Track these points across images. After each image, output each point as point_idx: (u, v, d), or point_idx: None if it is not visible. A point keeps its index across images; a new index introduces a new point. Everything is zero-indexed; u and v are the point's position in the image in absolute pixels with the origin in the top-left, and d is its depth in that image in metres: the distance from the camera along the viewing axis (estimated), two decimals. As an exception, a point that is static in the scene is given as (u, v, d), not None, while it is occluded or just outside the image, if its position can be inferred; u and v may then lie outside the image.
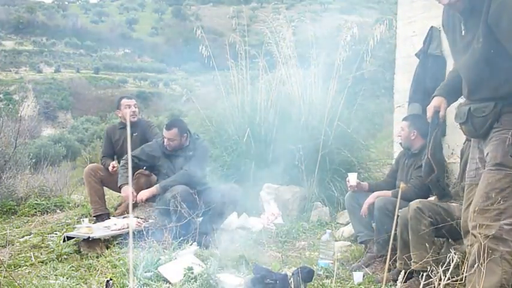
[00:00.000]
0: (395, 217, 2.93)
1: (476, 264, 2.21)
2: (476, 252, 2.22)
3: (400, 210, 3.25)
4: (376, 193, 3.73)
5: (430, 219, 3.06)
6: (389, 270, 3.38)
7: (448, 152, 4.26)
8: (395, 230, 3.15)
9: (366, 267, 3.57)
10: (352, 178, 3.85)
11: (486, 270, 2.16)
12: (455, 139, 4.04)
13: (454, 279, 2.28)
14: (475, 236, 2.26)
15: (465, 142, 3.56)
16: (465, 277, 2.36)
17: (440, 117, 2.57)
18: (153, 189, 4.41)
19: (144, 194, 4.38)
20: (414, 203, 3.09)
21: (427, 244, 2.98)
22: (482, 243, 2.17)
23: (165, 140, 4.51)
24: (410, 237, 3.10)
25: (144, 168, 4.90)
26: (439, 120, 2.59)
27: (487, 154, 2.29)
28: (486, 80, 2.28)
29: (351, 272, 3.53)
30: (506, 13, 2.12)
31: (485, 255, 2.13)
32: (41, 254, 4.08)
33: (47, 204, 5.93)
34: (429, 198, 3.44)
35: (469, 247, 2.38)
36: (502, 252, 2.19)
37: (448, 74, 2.68)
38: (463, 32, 2.32)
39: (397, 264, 3.26)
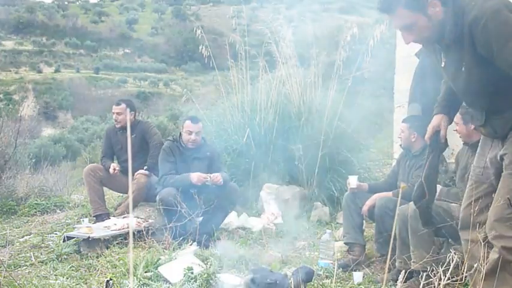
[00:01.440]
0: (396, 217, 2.93)
1: (475, 266, 2.18)
2: (495, 262, 2.14)
3: (399, 207, 3.25)
4: (376, 195, 3.73)
5: None
6: (389, 270, 3.38)
7: (448, 152, 4.26)
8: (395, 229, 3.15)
9: (343, 268, 3.58)
10: (353, 181, 3.85)
11: (498, 279, 2.12)
12: (455, 140, 4.04)
13: (454, 279, 2.28)
14: (495, 246, 2.16)
15: (462, 148, 3.57)
16: (465, 277, 2.36)
17: (441, 137, 2.46)
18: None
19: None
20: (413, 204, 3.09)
21: (427, 244, 2.98)
22: (504, 256, 2.09)
23: (193, 134, 4.47)
24: (410, 237, 3.10)
25: (145, 168, 4.90)
26: (440, 140, 2.47)
27: (505, 155, 2.16)
28: (491, 101, 2.20)
29: (350, 272, 3.53)
30: (493, 38, 2.01)
31: (502, 267, 2.08)
32: (41, 254, 4.08)
33: (47, 204, 5.92)
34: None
35: (465, 242, 2.34)
36: None
37: (442, 86, 2.53)
38: (443, 63, 2.24)
39: (397, 263, 3.26)
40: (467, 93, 2.26)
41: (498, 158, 2.21)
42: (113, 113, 5.24)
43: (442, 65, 2.24)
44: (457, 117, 3.35)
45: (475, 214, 2.29)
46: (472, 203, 2.31)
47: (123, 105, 5.15)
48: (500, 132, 2.21)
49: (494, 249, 2.15)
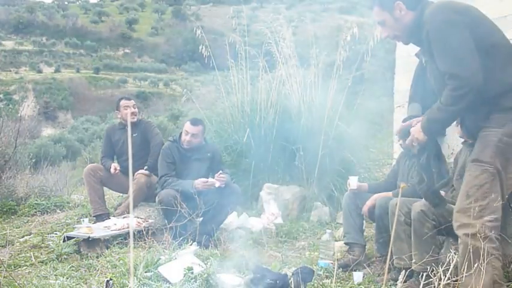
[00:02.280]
0: (395, 217, 2.93)
1: (462, 265, 2.24)
2: (461, 253, 2.26)
3: (384, 201, 3.32)
4: (376, 195, 3.73)
5: (433, 222, 3.05)
6: (389, 270, 3.37)
7: (448, 152, 4.26)
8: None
9: (343, 268, 3.58)
10: (353, 182, 3.85)
11: (476, 270, 2.16)
12: (455, 139, 4.04)
13: (454, 279, 2.28)
14: (459, 237, 2.30)
15: (461, 147, 3.57)
16: (464, 277, 2.36)
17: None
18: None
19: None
20: (418, 206, 3.06)
21: (428, 245, 2.98)
22: (468, 244, 2.19)
23: (188, 135, 4.43)
24: (413, 239, 3.09)
25: (145, 168, 4.90)
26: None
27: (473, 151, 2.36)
28: None
29: (350, 272, 3.53)
30: (434, 43, 2.31)
31: (473, 255, 2.13)
32: (41, 254, 4.08)
33: (47, 204, 5.92)
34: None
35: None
36: (488, 249, 2.19)
37: (411, 108, 2.74)
38: (424, 62, 2.53)
39: (394, 261, 3.24)
40: (439, 91, 2.39)
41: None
42: (127, 106, 5.13)
43: (424, 64, 2.49)
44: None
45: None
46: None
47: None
48: (471, 132, 2.42)
49: (460, 240, 2.29)
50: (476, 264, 2.12)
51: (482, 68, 2.22)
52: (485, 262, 2.17)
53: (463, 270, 2.25)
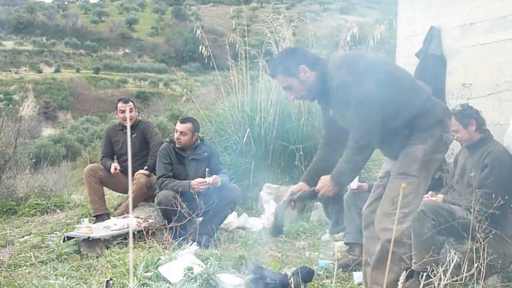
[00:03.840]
0: (395, 216, 2.92)
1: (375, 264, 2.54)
2: (378, 253, 2.54)
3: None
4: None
5: (433, 222, 3.05)
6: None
7: (448, 151, 4.25)
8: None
9: (343, 268, 3.58)
10: (353, 182, 3.85)
11: (388, 269, 2.29)
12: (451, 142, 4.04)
13: (454, 279, 2.28)
14: (379, 238, 2.55)
15: (460, 149, 3.58)
16: (465, 277, 2.37)
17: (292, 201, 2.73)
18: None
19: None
20: None
21: (428, 246, 2.98)
22: (388, 249, 2.38)
23: (177, 133, 4.43)
24: (413, 239, 3.09)
25: (145, 168, 4.90)
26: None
27: (394, 166, 2.62)
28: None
29: (350, 272, 3.53)
30: (339, 98, 2.53)
31: (389, 258, 2.28)
32: (41, 254, 4.08)
33: (47, 204, 5.92)
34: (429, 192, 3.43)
35: (365, 240, 2.79)
36: (401, 254, 2.48)
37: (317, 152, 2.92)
38: (331, 112, 2.71)
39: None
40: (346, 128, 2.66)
41: (390, 169, 2.70)
42: (123, 110, 5.11)
43: (331, 114, 2.70)
44: (455, 125, 3.35)
45: (371, 212, 2.73)
46: (372, 203, 2.77)
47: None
48: (396, 155, 2.65)
49: (379, 241, 2.55)
50: (388, 265, 2.24)
51: (393, 100, 2.48)
52: (395, 265, 2.45)
53: (375, 266, 2.56)
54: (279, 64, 2.69)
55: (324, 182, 2.63)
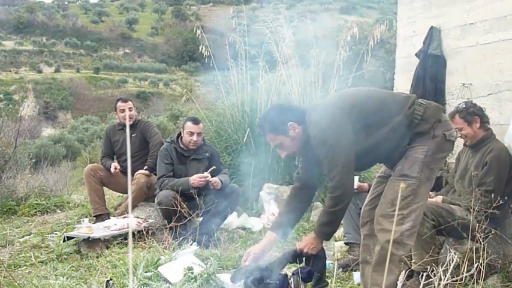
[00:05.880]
0: (395, 216, 2.92)
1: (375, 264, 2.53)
2: (378, 254, 2.54)
3: None
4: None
5: (432, 222, 3.05)
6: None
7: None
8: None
9: (343, 268, 3.57)
10: (354, 181, 3.84)
11: (387, 270, 2.29)
12: (456, 140, 4.04)
13: (454, 279, 2.28)
14: (378, 240, 2.55)
15: (462, 148, 3.57)
16: (465, 277, 2.37)
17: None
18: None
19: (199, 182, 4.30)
20: None
21: (427, 245, 2.98)
22: (388, 250, 2.43)
23: (194, 135, 4.43)
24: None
25: (145, 168, 4.90)
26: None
27: (395, 168, 2.60)
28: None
29: (350, 272, 3.53)
30: (317, 150, 2.58)
31: (389, 259, 2.28)
32: (41, 254, 4.08)
33: (47, 204, 5.92)
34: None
35: (363, 237, 2.79)
36: (401, 255, 2.46)
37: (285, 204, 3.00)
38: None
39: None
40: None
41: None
42: (122, 109, 5.10)
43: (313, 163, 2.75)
44: (459, 122, 3.34)
45: (370, 209, 2.74)
46: (371, 200, 2.78)
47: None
48: (392, 167, 2.68)
49: (379, 242, 2.54)
50: (387, 266, 2.26)
51: (388, 114, 2.53)
52: (395, 266, 2.44)
53: (375, 267, 2.55)
54: (267, 123, 2.69)
55: (307, 241, 2.69)
